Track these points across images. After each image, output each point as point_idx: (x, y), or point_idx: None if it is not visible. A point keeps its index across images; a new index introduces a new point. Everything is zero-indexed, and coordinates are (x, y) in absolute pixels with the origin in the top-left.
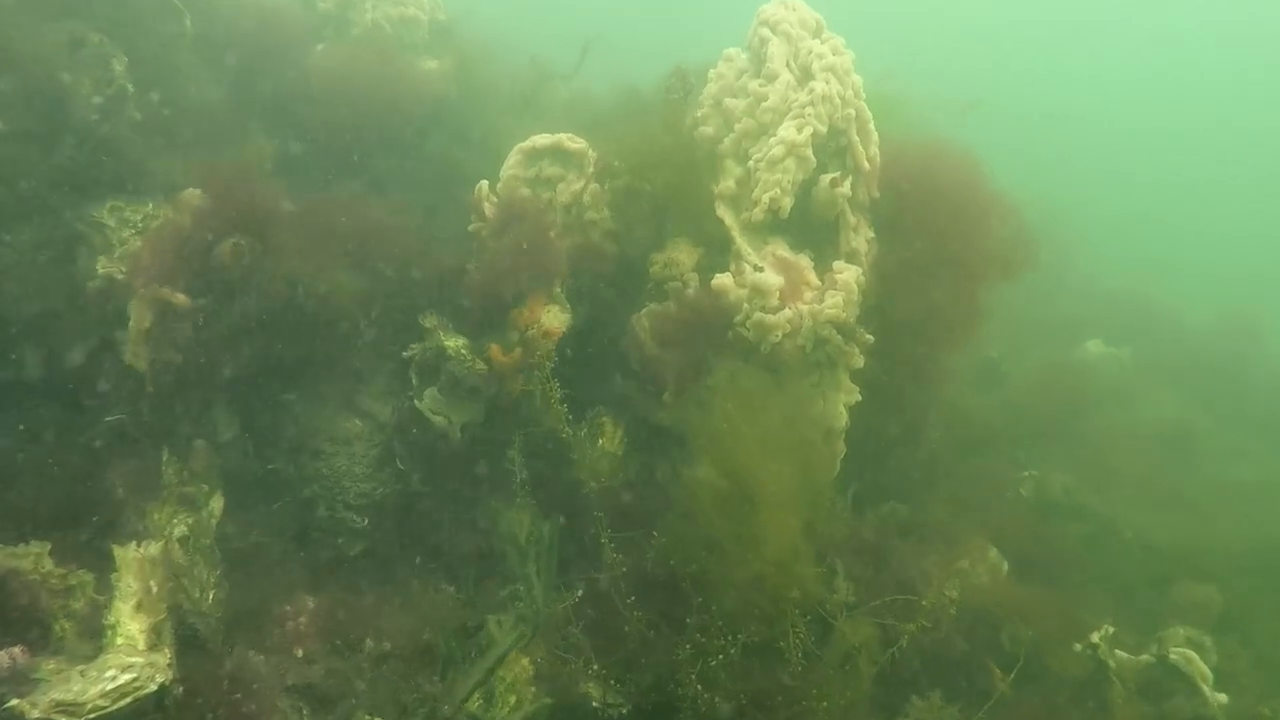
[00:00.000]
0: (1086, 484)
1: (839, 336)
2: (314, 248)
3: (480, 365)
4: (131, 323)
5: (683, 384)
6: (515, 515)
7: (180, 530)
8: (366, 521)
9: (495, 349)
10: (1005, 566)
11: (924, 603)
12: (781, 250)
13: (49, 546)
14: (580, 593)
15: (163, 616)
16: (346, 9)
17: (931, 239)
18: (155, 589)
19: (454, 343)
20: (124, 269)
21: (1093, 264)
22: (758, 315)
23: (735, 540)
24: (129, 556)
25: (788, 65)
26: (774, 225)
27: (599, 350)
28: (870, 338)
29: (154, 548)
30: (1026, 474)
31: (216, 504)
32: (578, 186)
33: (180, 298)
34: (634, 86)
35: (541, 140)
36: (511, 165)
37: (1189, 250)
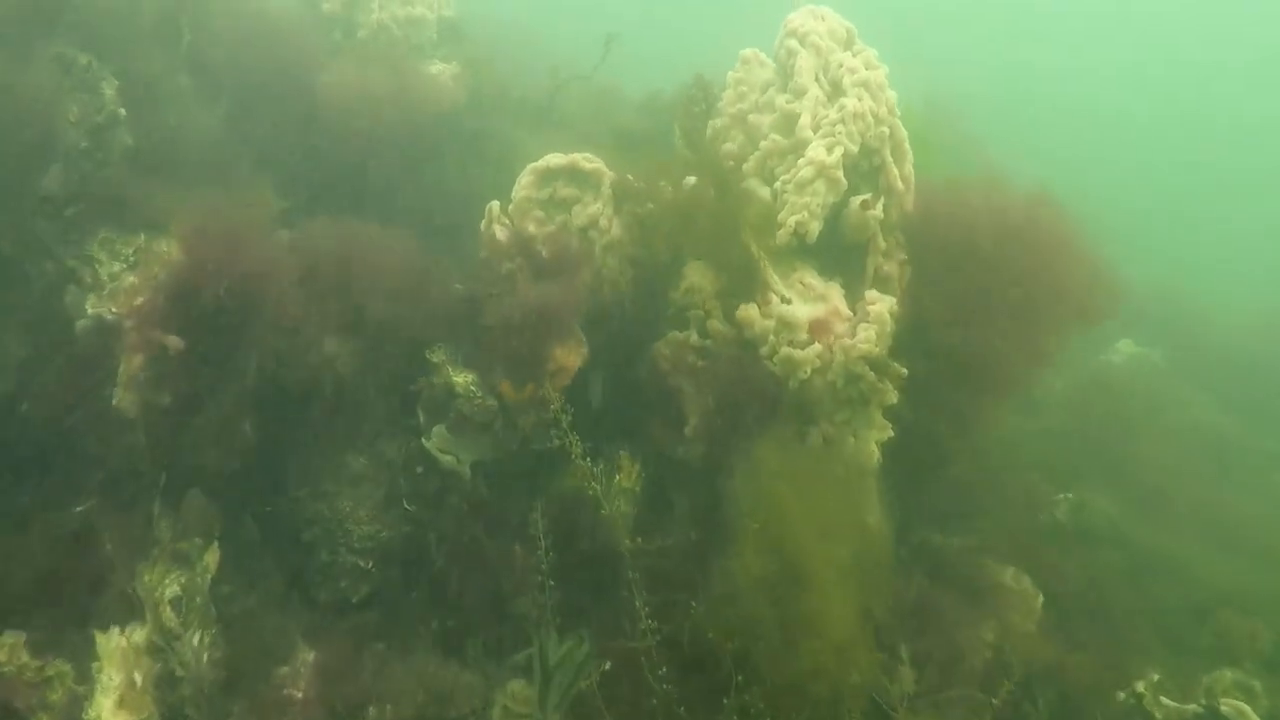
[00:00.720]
0: (1122, 502)
1: (872, 373)
2: (313, 303)
3: (490, 402)
4: (121, 365)
5: (706, 420)
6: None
7: (173, 591)
8: (371, 565)
9: (507, 385)
10: (1040, 600)
11: (994, 701)
12: (810, 277)
13: (24, 637)
14: (607, 665)
15: (147, 715)
16: (353, 10)
17: (988, 274)
18: (140, 680)
19: (463, 379)
20: (114, 308)
21: (1121, 260)
22: (785, 351)
23: (782, 625)
24: (111, 646)
25: (817, 79)
26: (801, 248)
27: (615, 379)
28: (904, 371)
29: (139, 634)
30: (1062, 497)
31: (211, 558)
32: (594, 209)
33: (173, 340)
34: (656, 91)
35: (555, 160)
36: (524, 186)
37: (1222, 246)
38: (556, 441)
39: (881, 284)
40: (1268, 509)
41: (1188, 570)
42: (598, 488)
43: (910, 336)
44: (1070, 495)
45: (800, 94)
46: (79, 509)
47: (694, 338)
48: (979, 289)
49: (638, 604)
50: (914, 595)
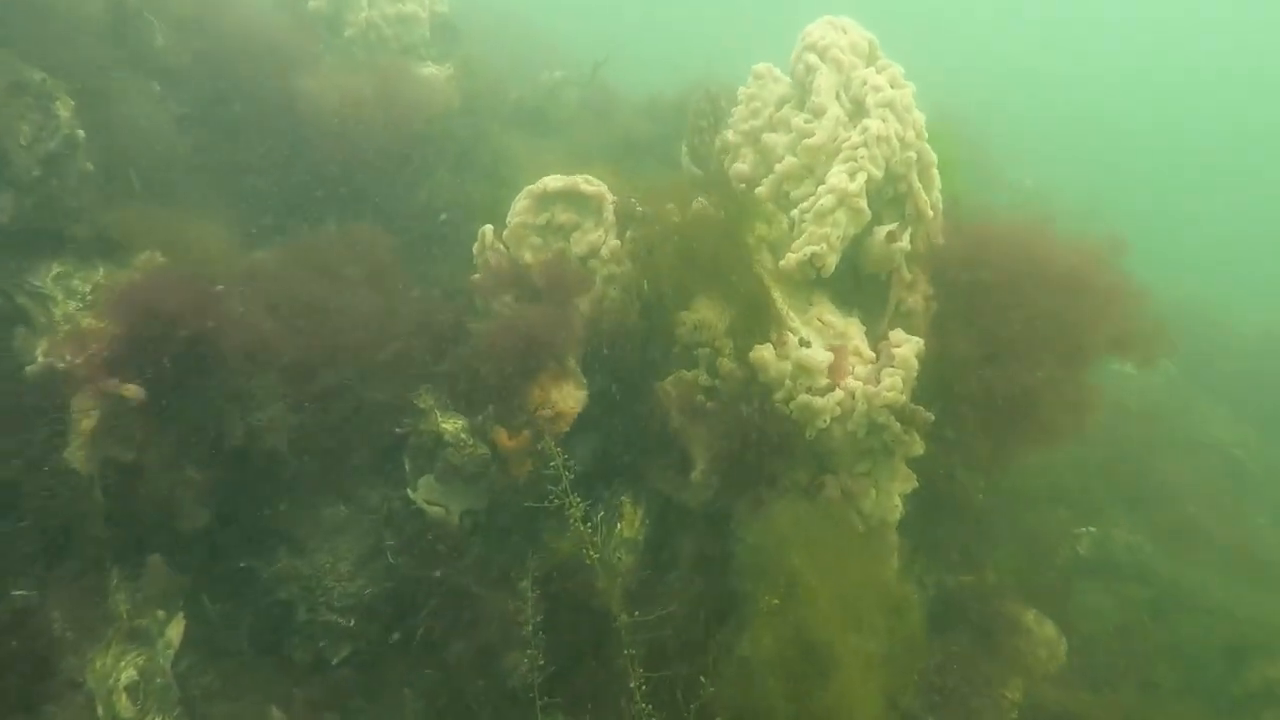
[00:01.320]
0: (1144, 531)
1: (897, 423)
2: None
3: (482, 449)
4: (75, 417)
5: (715, 465)
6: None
7: (129, 676)
8: (353, 622)
9: (500, 432)
10: (1065, 646)
11: None
12: (828, 313)
13: None
14: None
15: None
16: (340, 8)
17: (1021, 307)
18: None
19: (452, 425)
20: (68, 354)
21: (1136, 269)
22: (804, 398)
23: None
24: None
25: (837, 97)
26: (819, 280)
27: (617, 419)
28: (931, 418)
29: None
30: (1084, 530)
31: (175, 631)
32: (595, 236)
33: (131, 389)
34: (658, 95)
35: (554, 183)
36: (519, 212)
37: (1239, 254)
38: (555, 501)
39: (904, 320)
40: None
41: (1217, 607)
42: (595, 555)
43: (933, 371)
44: (1093, 529)
45: (819, 114)
46: (18, 593)
47: (703, 377)
48: (1012, 324)
49: (633, 684)
50: (934, 652)
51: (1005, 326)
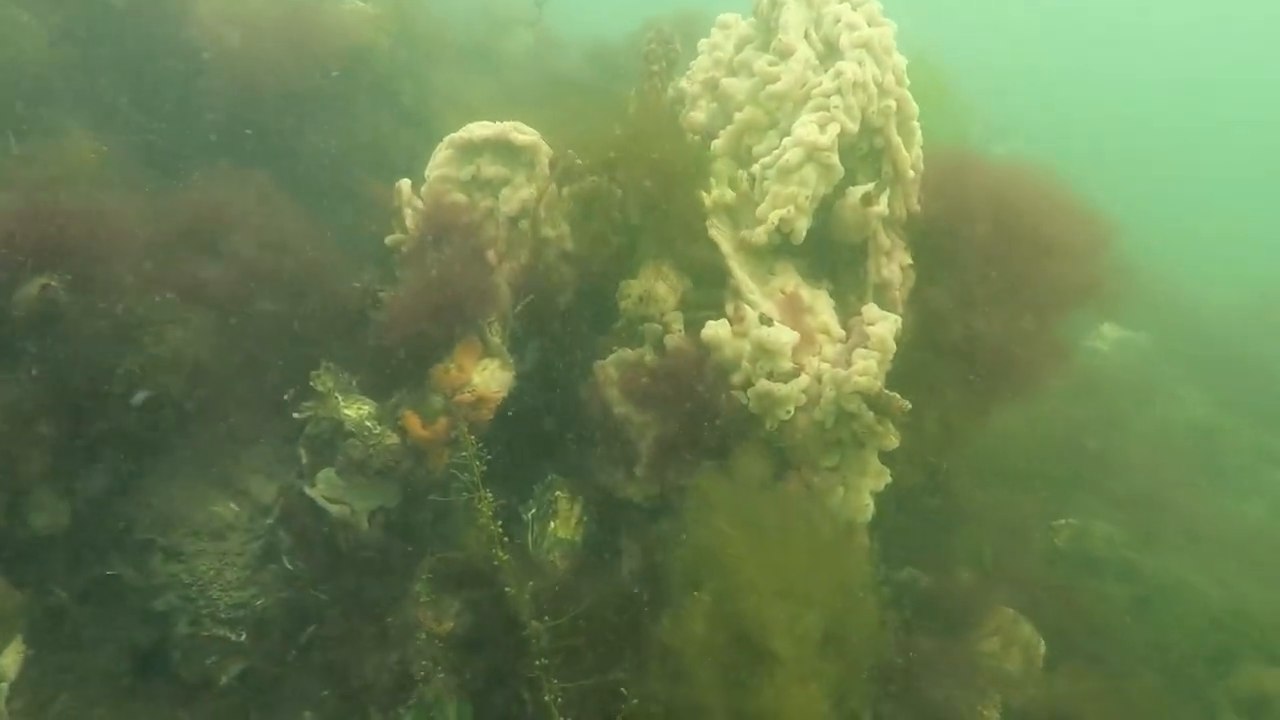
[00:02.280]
0: (1122, 519)
1: (869, 412)
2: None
3: (391, 439)
4: None
5: (662, 457)
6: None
7: None
8: (244, 637)
9: (412, 419)
10: (1043, 649)
11: None
12: (793, 285)
13: None
14: None
15: None
16: None
17: (1004, 271)
18: None
19: (356, 411)
20: None
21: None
22: (763, 385)
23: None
24: None
25: (807, 37)
26: (784, 246)
27: (551, 405)
28: (907, 405)
29: None
30: (1062, 522)
31: (10, 660)
32: (527, 192)
33: None
34: (604, 40)
35: (480, 131)
36: (440, 163)
37: (1218, 223)
38: (464, 495)
39: (879, 293)
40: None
41: (1200, 603)
42: (504, 556)
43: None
44: (1071, 520)
45: (786, 55)
46: None
47: (648, 356)
48: (984, 272)
49: (548, 698)
50: (900, 661)
51: (981, 274)
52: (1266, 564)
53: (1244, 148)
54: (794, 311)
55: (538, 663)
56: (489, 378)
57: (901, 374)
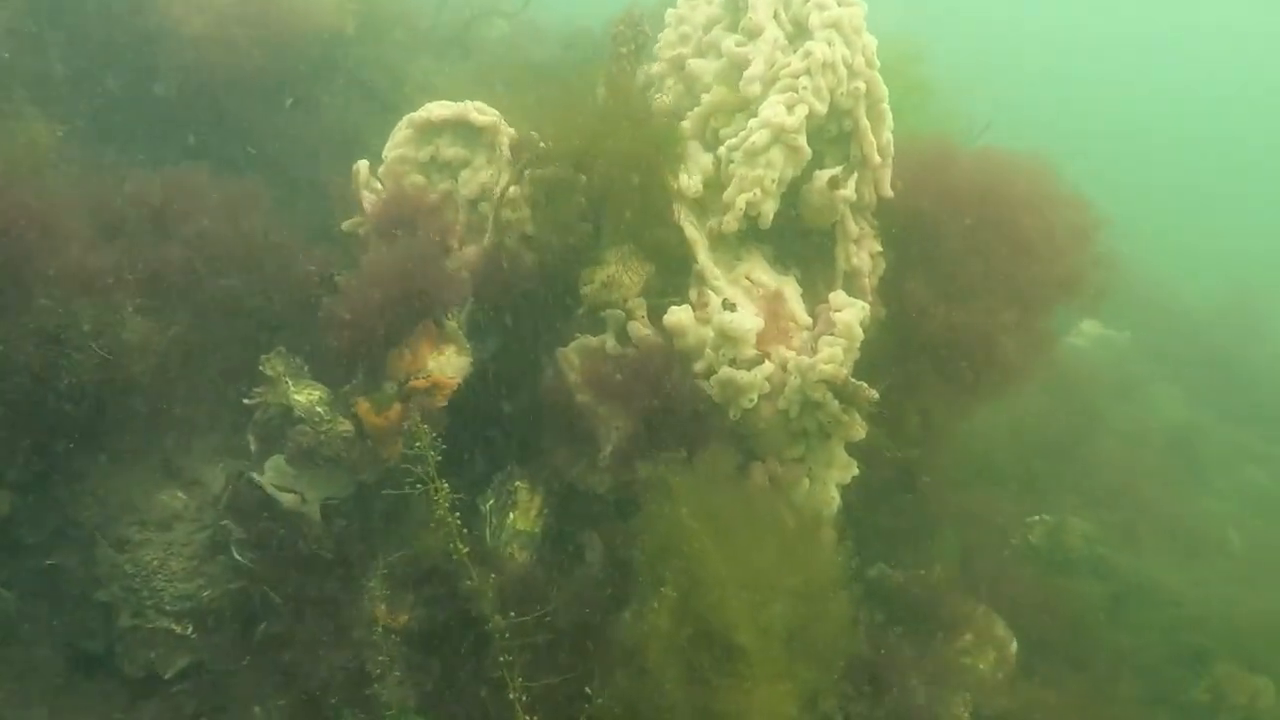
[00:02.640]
0: (1098, 517)
1: (835, 401)
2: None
3: (344, 426)
4: None
5: (624, 447)
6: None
7: None
8: (190, 630)
9: (364, 406)
10: (1015, 647)
11: None
12: (760, 272)
13: None
14: None
15: None
16: None
17: (986, 264)
18: None
19: (307, 397)
20: None
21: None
22: (726, 372)
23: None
24: None
25: (776, 17)
26: (751, 231)
27: (512, 393)
28: (875, 395)
29: None
30: (1037, 518)
31: None
32: (487, 175)
33: None
34: (583, 28)
35: (439, 110)
36: (399, 143)
37: (1197, 218)
38: (418, 487)
39: (849, 280)
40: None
41: (1175, 603)
42: (463, 549)
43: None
44: (1046, 516)
45: (754, 34)
46: None
47: (611, 344)
48: (963, 263)
49: (512, 696)
50: (871, 659)
51: (961, 264)
52: (1240, 563)
53: (1223, 151)
54: (760, 301)
55: (501, 659)
56: (444, 364)
57: (879, 368)
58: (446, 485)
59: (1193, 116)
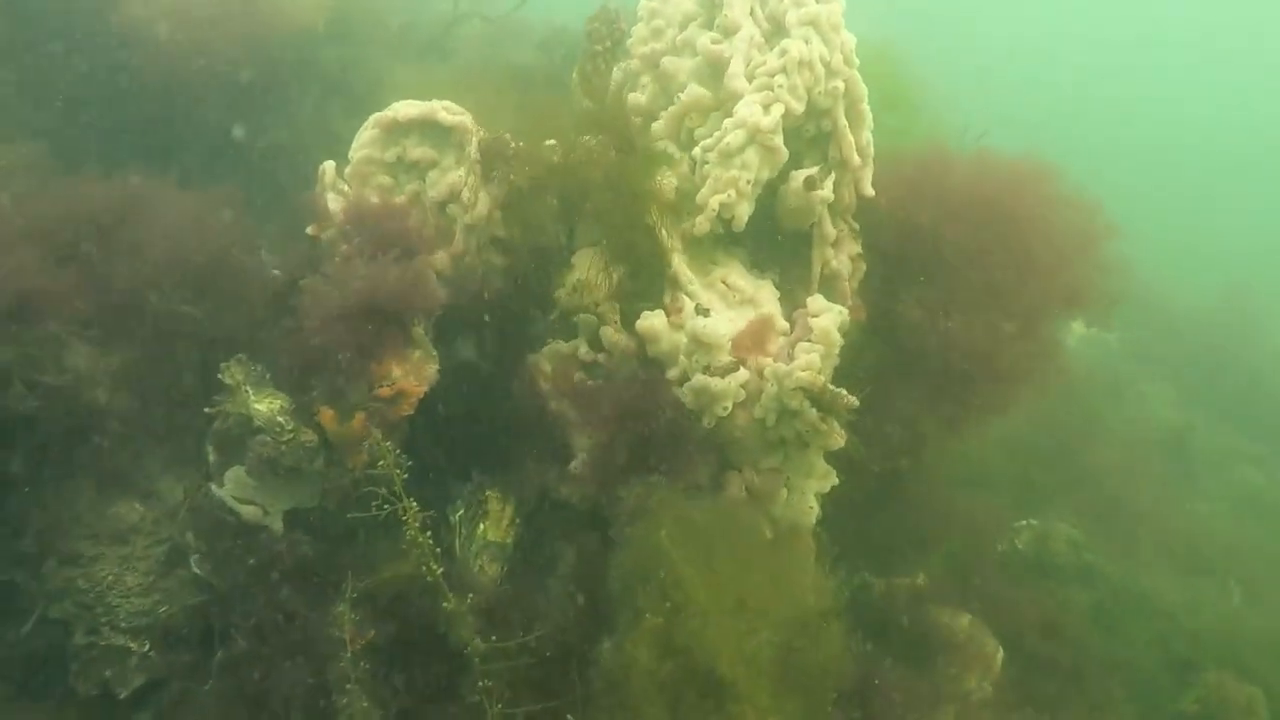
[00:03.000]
0: (1087, 523)
1: (813, 409)
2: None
3: (307, 436)
4: None
5: (598, 455)
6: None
7: None
8: (148, 648)
9: (327, 414)
10: (1001, 655)
11: None
12: (735, 275)
13: None
14: None
15: None
16: None
17: (985, 275)
18: None
19: (268, 405)
20: None
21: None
22: (700, 379)
23: None
24: None
25: (752, 13)
26: (727, 235)
27: (482, 400)
28: (855, 402)
29: None
30: (1023, 524)
31: None
32: (455, 176)
33: None
34: (561, 27)
35: (406, 110)
36: (365, 143)
37: (1187, 217)
38: (384, 507)
39: (828, 284)
40: (1252, 531)
41: (1164, 610)
42: (440, 570)
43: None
44: (1033, 522)
45: (730, 32)
46: None
47: (583, 350)
48: (962, 275)
49: None
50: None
51: (960, 278)
52: (1228, 569)
53: (1214, 151)
54: (735, 303)
55: (480, 684)
56: (410, 371)
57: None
58: (416, 504)
59: (1185, 116)
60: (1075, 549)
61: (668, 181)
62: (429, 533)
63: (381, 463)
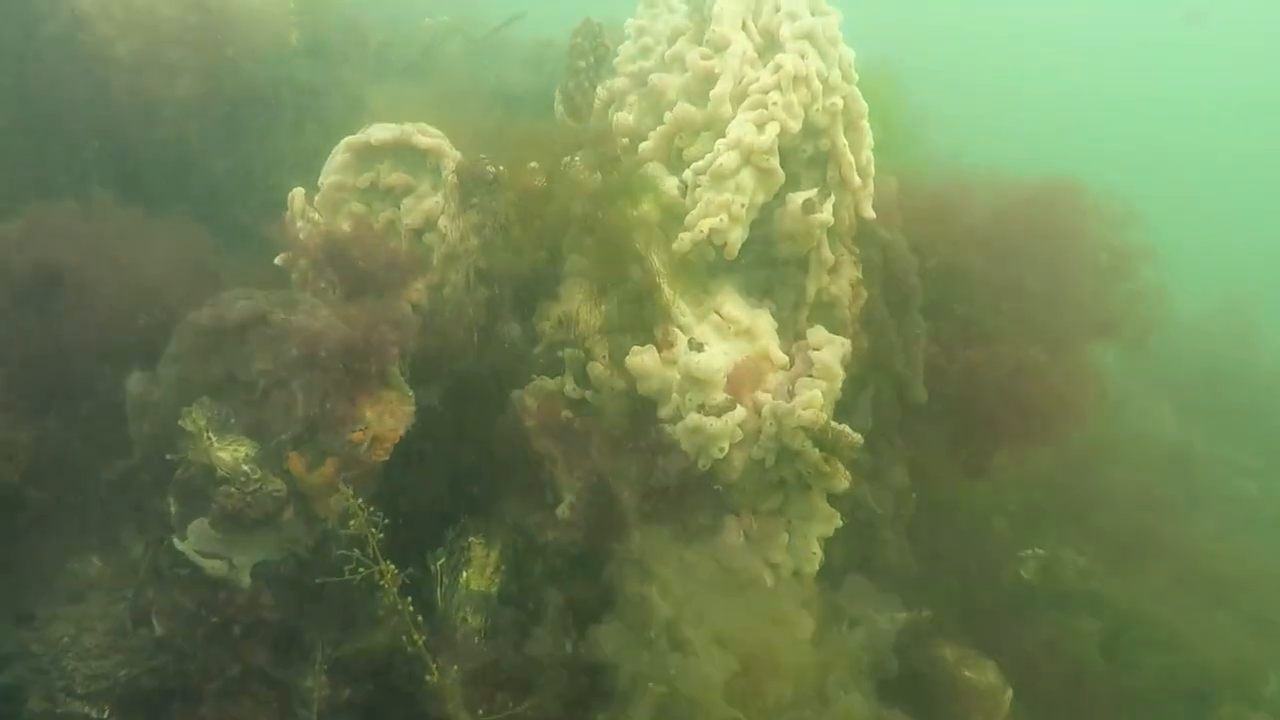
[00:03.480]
0: (1092, 547)
1: (815, 449)
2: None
3: (275, 485)
4: None
5: (586, 498)
6: None
7: None
8: (107, 713)
9: (297, 462)
10: (1009, 695)
11: None
12: (731, 304)
13: None
14: None
15: None
16: None
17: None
18: None
19: (232, 453)
20: None
21: None
22: (695, 419)
23: None
24: None
25: (744, 27)
26: (720, 261)
27: (464, 440)
28: (859, 439)
29: None
30: (1029, 552)
31: None
32: (431, 203)
33: None
34: (547, 41)
35: (379, 134)
36: (336, 168)
37: (1188, 229)
38: (360, 571)
39: (825, 311)
40: (1257, 555)
41: (1175, 639)
42: (419, 639)
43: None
44: (1039, 551)
45: (721, 47)
46: None
47: (569, 387)
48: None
49: None
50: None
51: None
52: (1240, 596)
53: (1210, 161)
54: (731, 335)
55: None
56: (385, 412)
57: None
58: (393, 566)
59: (1182, 125)
60: (1083, 577)
61: (654, 208)
62: (409, 598)
63: (353, 522)
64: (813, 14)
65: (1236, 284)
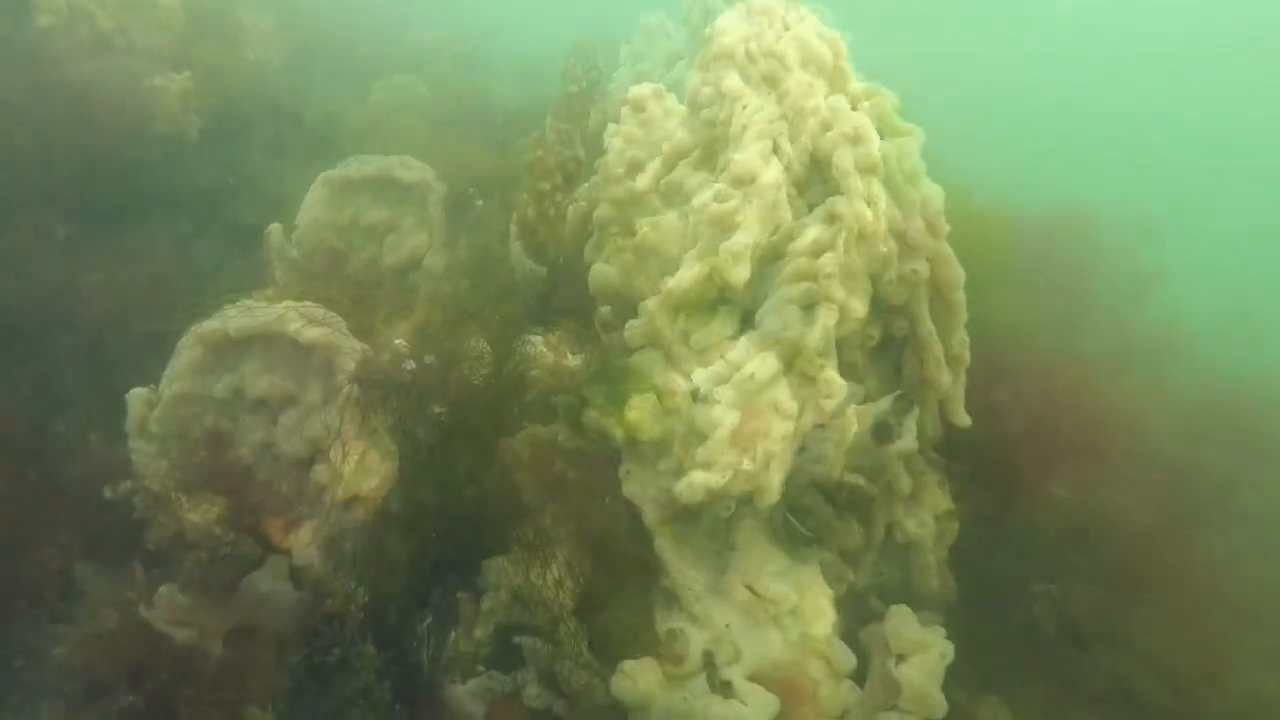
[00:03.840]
0: (1100, 580)
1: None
2: None
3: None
4: None
5: (582, 556)
6: None
7: None
8: None
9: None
10: None
11: None
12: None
13: None
14: None
15: None
16: None
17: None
18: None
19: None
20: None
21: None
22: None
23: None
24: None
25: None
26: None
27: (451, 493)
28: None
29: None
30: (1041, 589)
31: None
32: (416, 240)
33: None
34: (538, 58)
35: (360, 168)
36: (314, 204)
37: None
38: (336, 653)
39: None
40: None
41: (1190, 684)
42: None
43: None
44: (1052, 587)
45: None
46: None
47: (563, 435)
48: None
49: None
50: None
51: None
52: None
53: (1209, 168)
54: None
55: None
56: (365, 470)
57: None
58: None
59: (1179, 132)
60: (1097, 615)
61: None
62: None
63: (330, 601)
64: (816, 38)
65: (1239, 291)
